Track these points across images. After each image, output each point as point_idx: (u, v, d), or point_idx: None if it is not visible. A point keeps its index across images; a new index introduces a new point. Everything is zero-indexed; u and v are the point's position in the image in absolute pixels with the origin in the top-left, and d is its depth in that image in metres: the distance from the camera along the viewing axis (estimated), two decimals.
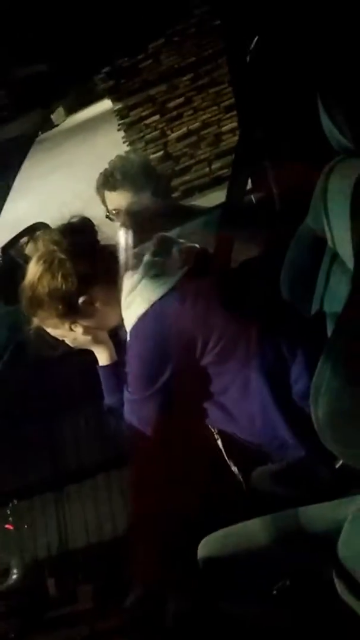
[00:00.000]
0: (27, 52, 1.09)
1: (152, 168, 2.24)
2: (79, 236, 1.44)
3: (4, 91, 1.08)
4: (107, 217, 2.06)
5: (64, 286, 1.39)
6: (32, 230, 2.13)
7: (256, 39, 1.49)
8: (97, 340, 1.49)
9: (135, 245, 1.83)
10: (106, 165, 2.12)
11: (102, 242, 1.50)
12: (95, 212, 1.56)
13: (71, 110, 12.53)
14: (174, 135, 5.22)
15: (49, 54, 1.17)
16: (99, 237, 1.50)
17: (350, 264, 1.39)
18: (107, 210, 2.07)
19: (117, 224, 2.05)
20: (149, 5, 1.39)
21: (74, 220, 1.48)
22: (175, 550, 1.28)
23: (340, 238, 1.44)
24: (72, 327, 1.46)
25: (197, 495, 1.35)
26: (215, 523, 1.20)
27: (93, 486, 1.73)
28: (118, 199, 2.03)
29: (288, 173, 1.70)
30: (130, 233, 2.02)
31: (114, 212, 2.05)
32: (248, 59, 1.53)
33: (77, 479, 1.75)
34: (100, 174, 2.08)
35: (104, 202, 2.08)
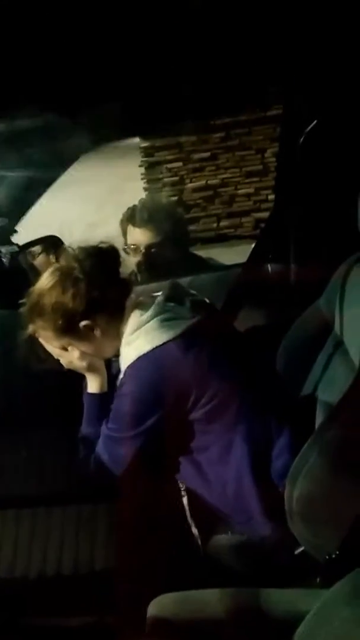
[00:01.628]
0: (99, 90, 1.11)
1: (179, 216, 2.28)
2: (102, 263, 1.44)
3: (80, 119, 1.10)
4: (124, 250, 2.07)
5: (70, 304, 1.38)
6: (44, 242, 2.13)
7: (314, 122, 1.54)
8: (92, 367, 1.47)
9: (142, 284, 1.84)
10: (118, 196, 2.15)
11: (122, 275, 1.50)
12: (95, 237, 1.55)
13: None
14: (191, 185, 5.31)
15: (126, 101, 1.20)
16: (120, 269, 1.49)
17: (354, 355, 1.41)
18: (125, 244, 2.08)
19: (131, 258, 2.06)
20: (212, 93, 1.44)
21: (103, 245, 1.48)
22: (123, 601, 1.23)
23: (349, 328, 1.47)
24: (68, 347, 1.44)
25: (152, 549, 1.32)
26: (168, 582, 1.17)
27: (18, 518, 1.62)
28: (139, 236, 2.05)
29: (311, 252, 1.74)
30: (143, 270, 2.04)
31: (132, 247, 2.06)
32: (302, 140, 1.57)
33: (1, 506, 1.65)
34: (129, 208, 2.11)
35: (124, 234, 2.09)
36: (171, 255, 2.03)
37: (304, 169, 1.63)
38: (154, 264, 2.02)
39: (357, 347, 1.37)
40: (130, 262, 2.07)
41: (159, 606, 1.07)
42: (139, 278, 2.19)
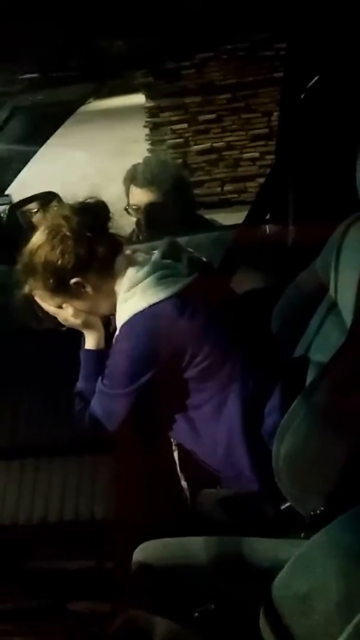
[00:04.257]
0: (98, 26, 1.09)
1: (183, 176, 2.26)
2: (89, 218, 1.42)
3: (69, 55, 1.07)
4: (125, 209, 2.06)
5: (59, 261, 1.38)
6: (42, 198, 2.11)
7: (316, 78, 1.51)
8: (87, 324, 1.47)
9: (143, 243, 1.83)
10: (122, 158, 2.13)
11: (112, 231, 1.48)
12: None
13: (100, 94, 12.50)
14: (196, 147, 5.25)
15: (116, 33, 1.17)
16: (110, 225, 1.48)
17: (347, 317, 1.42)
18: (128, 204, 2.07)
19: (131, 217, 2.05)
20: (209, 17, 1.40)
21: (90, 201, 1.46)
22: (109, 547, 1.26)
23: (343, 289, 1.47)
24: (63, 305, 1.45)
25: (141, 499, 1.34)
26: (155, 531, 1.20)
27: (21, 467, 1.68)
28: (141, 196, 2.03)
29: (309, 213, 1.73)
30: (143, 230, 2.03)
31: (134, 207, 2.04)
32: (303, 95, 1.54)
33: (6, 456, 1.70)
34: (132, 167, 2.08)
35: (127, 194, 2.07)
36: (172, 216, 2.01)
37: (304, 126, 1.61)
38: (154, 224, 2.01)
39: (350, 309, 1.37)
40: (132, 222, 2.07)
41: (143, 552, 1.10)
42: (140, 237, 2.19)
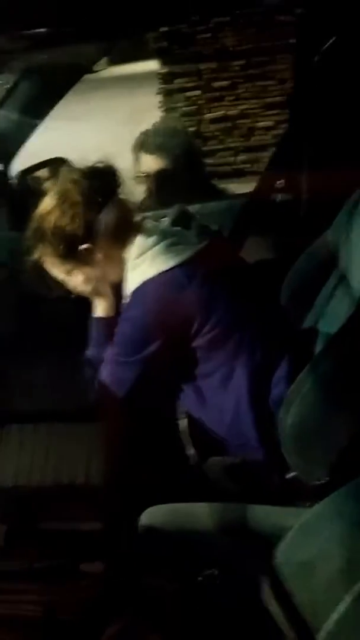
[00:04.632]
0: None
1: (193, 143, 2.23)
2: (99, 182, 1.40)
3: (74, 13, 1.04)
4: (136, 176, 2.04)
5: (68, 227, 1.36)
6: (52, 164, 2.08)
7: (332, 40, 1.47)
8: (97, 292, 1.46)
9: (154, 210, 1.81)
10: (135, 125, 2.10)
11: (122, 196, 1.46)
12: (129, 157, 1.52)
13: (114, 60, 12.31)
14: (210, 115, 5.16)
15: None
16: (120, 190, 1.46)
17: (356, 288, 1.40)
18: (137, 171, 2.04)
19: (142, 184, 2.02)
20: None
21: (99, 165, 1.44)
22: (116, 512, 1.28)
23: (353, 260, 1.45)
24: (72, 272, 1.44)
25: (148, 465, 1.36)
26: (161, 496, 1.21)
27: (35, 431, 1.72)
28: (151, 163, 2.00)
29: (322, 183, 1.70)
30: (153, 197, 2.01)
31: (143, 174, 2.02)
32: (316, 58, 1.51)
33: (20, 420, 1.73)
34: (141, 133, 2.06)
35: (136, 161, 2.05)
36: (182, 183, 1.99)
37: (318, 90, 1.57)
38: (164, 191, 1.99)
39: (358, 278, 1.36)
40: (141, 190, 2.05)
41: (149, 516, 1.12)
42: (149, 205, 2.17)
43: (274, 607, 0.91)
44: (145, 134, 2.04)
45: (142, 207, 2.13)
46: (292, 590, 0.91)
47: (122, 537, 1.17)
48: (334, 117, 1.64)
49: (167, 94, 5.26)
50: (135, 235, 1.40)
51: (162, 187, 1.99)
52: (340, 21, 1.52)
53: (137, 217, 1.46)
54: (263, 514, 1.11)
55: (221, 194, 2.19)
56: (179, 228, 1.43)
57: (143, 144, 2.03)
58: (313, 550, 0.91)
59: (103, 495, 1.31)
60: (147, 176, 2.02)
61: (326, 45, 1.50)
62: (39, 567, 1.19)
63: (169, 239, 1.37)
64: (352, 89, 1.55)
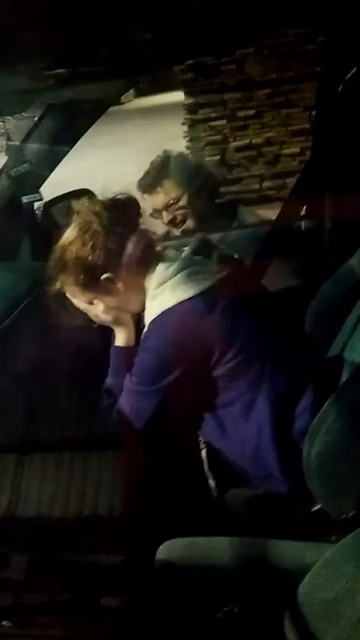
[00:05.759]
0: (131, 20, 1.08)
1: (200, 168, 2.26)
2: (120, 213, 1.42)
3: (101, 50, 1.06)
4: (151, 215, 2.07)
5: (90, 257, 1.38)
6: (78, 195, 2.12)
7: (354, 70, 1.47)
8: (117, 321, 1.47)
9: (175, 239, 1.82)
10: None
11: (142, 227, 1.48)
12: (137, 196, 1.55)
13: (140, 92, 12.58)
14: (235, 144, 5.19)
15: (151, 28, 1.16)
16: (141, 220, 1.47)
17: None
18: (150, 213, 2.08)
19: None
20: (248, 12, 1.38)
21: (120, 197, 1.46)
22: (136, 545, 1.26)
23: None
24: (94, 301, 1.45)
25: (168, 497, 1.34)
26: (180, 530, 1.19)
27: (58, 460, 1.71)
28: (153, 201, 2.06)
29: (345, 211, 1.69)
30: (173, 227, 2.03)
31: (153, 212, 2.06)
32: (340, 88, 1.51)
33: (44, 448, 1.73)
34: (142, 176, 2.09)
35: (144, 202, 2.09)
36: (201, 209, 2.01)
37: (341, 119, 1.57)
38: (181, 218, 2.02)
39: None
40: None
41: (167, 550, 1.10)
42: (171, 234, 2.18)
43: None
44: (144, 175, 2.08)
45: (163, 237, 2.16)
46: (316, 630, 0.87)
47: (141, 571, 1.15)
48: (356, 144, 1.64)
49: (192, 123, 5.32)
50: (155, 265, 1.40)
51: (175, 217, 2.03)
52: None
53: (158, 247, 1.47)
54: (284, 550, 1.08)
55: (243, 222, 2.18)
56: (200, 257, 1.43)
57: (141, 186, 2.06)
58: (337, 589, 0.87)
59: (123, 528, 1.29)
60: (158, 212, 2.06)
61: (350, 74, 1.50)
62: (60, 601, 1.18)
63: (190, 268, 1.37)
64: None
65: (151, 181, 2.03)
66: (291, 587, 0.90)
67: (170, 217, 2.04)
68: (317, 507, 1.24)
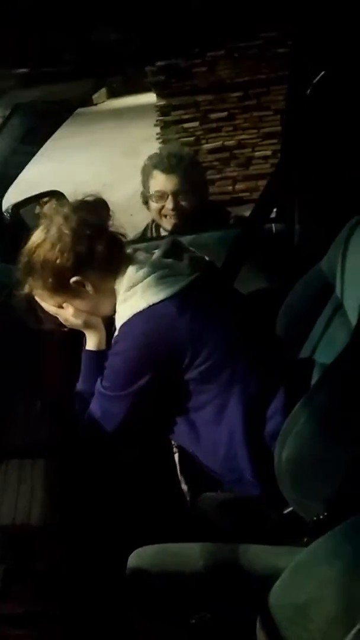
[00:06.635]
0: (100, 18, 1.06)
1: (201, 167, 2.28)
2: (89, 216, 1.40)
3: (69, 49, 1.05)
4: (145, 197, 2.06)
5: (58, 260, 1.35)
6: (47, 197, 2.09)
7: (322, 74, 1.48)
8: (88, 325, 1.44)
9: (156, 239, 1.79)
10: (134, 158, 2.13)
11: (112, 229, 1.46)
12: (110, 197, 1.52)
13: (113, 94, 12.56)
14: (208, 145, 5.21)
15: (122, 27, 1.15)
16: (110, 223, 1.46)
17: (353, 318, 1.39)
18: (148, 191, 2.06)
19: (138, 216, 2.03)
20: (219, 15, 1.38)
21: (89, 199, 1.44)
22: (105, 555, 1.24)
23: (350, 290, 1.44)
24: (63, 305, 1.43)
25: (138, 502, 1.32)
26: (151, 536, 1.17)
27: (18, 468, 1.66)
28: (165, 182, 2.02)
29: (315, 213, 1.70)
30: (171, 217, 2.02)
31: (157, 193, 2.03)
32: (308, 91, 1.52)
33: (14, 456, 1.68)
34: (155, 153, 2.09)
35: (147, 181, 2.06)
36: (194, 205, 2.01)
37: (310, 123, 1.58)
38: (180, 210, 2.01)
39: (355, 310, 1.34)
40: (152, 209, 2.06)
41: (138, 557, 1.08)
42: (153, 233, 2.17)
43: None
44: (160, 154, 2.07)
45: (148, 235, 2.15)
46: (287, 635, 0.87)
47: (112, 579, 1.13)
48: (325, 147, 1.65)
49: (165, 125, 5.32)
50: (126, 268, 1.38)
51: (178, 205, 2.01)
52: (332, 53, 1.54)
53: (128, 249, 1.45)
54: (256, 554, 1.08)
55: (215, 225, 2.18)
56: (170, 260, 1.42)
57: (158, 164, 2.04)
58: (308, 593, 0.87)
59: (93, 536, 1.27)
60: (162, 195, 2.03)
61: (318, 78, 1.50)
62: (32, 612, 1.15)
63: (160, 271, 1.36)
64: (343, 120, 1.56)
65: (175, 162, 2.01)
66: (265, 593, 0.90)
67: (172, 205, 2.02)
68: (289, 509, 1.24)
